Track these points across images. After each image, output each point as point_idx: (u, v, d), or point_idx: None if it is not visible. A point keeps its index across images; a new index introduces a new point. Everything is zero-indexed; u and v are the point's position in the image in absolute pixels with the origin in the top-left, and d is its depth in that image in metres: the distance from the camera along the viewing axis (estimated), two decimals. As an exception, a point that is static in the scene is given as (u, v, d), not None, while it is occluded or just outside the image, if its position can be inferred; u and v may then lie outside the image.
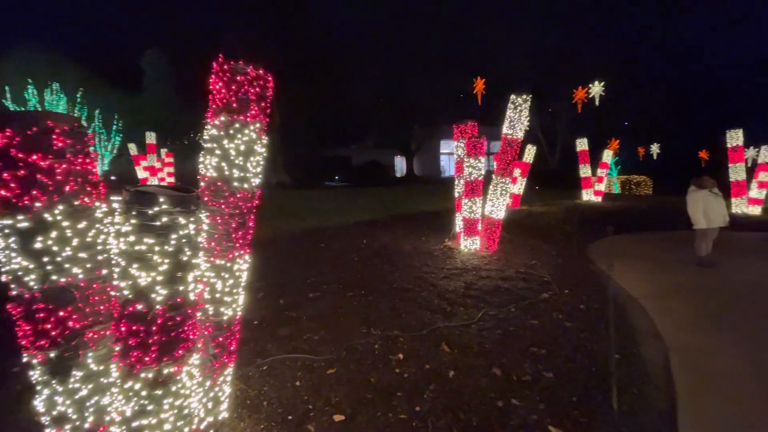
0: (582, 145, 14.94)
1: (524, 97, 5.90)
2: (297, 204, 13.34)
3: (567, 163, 24.26)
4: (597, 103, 27.90)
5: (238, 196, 1.97)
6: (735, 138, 12.04)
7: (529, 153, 12.99)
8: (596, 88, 27.45)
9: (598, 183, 15.06)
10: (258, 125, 1.99)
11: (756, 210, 11.98)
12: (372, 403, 2.47)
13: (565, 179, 20.29)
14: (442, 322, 3.56)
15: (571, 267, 5.79)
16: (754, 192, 12.28)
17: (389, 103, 26.92)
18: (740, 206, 12.12)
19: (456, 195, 7.08)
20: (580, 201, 14.72)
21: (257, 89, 1.92)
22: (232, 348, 2.11)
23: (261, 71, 1.92)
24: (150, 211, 1.45)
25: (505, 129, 6.12)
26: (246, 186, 2.00)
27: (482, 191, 6.46)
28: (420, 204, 12.85)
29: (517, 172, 13.32)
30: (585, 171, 14.87)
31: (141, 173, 15.45)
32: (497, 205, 6.38)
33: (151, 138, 15.08)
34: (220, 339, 2.03)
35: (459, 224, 6.91)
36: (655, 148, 29.91)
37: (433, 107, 26.34)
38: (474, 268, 5.48)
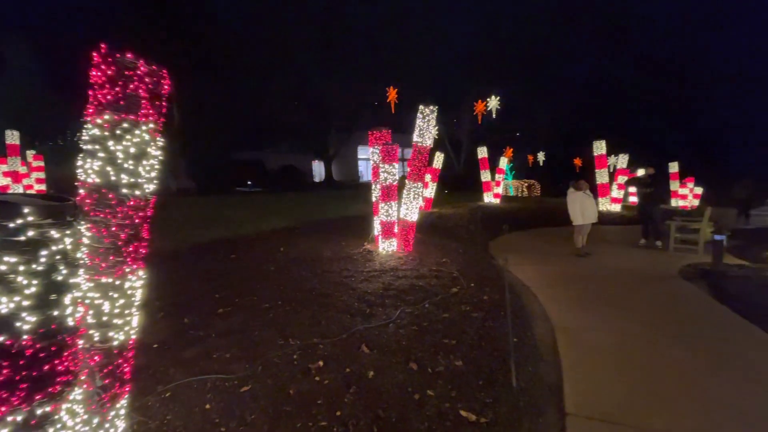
0: (482, 152, 16.50)
1: (432, 107, 6.33)
2: (204, 212, 12.26)
3: (471, 169, 26.58)
4: (494, 115, 30.96)
5: (129, 204, 1.75)
6: (599, 147, 14.55)
7: (438, 160, 13.92)
8: (493, 102, 30.50)
9: (497, 187, 16.78)
10: (152, 125, 1.81)
11: (617, 207, 14.61)
12: (291, 415, 2.40)
13: (470, 183, 22.19)
14: (361, 324, 3.61)
15: (476, 263, 6.35)
16: (615, 192, 14.97)
17: (304, 106, 26.46)
18: (605, 204, 14.65)
19: (373, 199, 7.26)
20: (483, 203, 16.23)
21: (150, 85, 1.74)
22: (125, 377, 1.86)
23: (154, 66, 1.75)
24: (12, 225, 1.22)
25: (416, 137, 6.48)
26: (138, 193, 1.79)
27: (397, 195, 6.73)
28: (339, 209, 12.84)
29: (428, 177, 14.19)
30: (485, 176, 16.45)
31: (0, 180, 12.69)
32: (411, 208, 6.70)
33: (13, 138, 12.49)
34: (110, 368, 1.78)
35: (377, 227, 7.08)
36: (541, 156, 34.48)
37: (349, 113, 26.62)
38: (392, 269, 5.67)
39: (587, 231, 7.53)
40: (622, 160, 14.79)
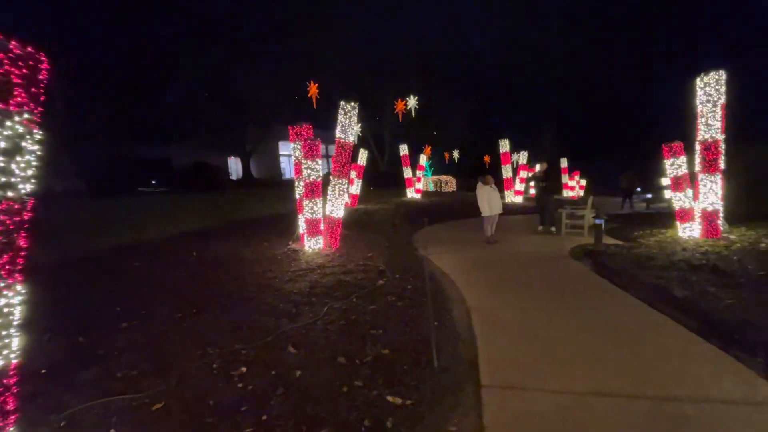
0: (403, 150, 17.12)
1: (353, 104, 6.39)
2: (97, 216, 10.72)
3: (394, 166, 27.42)
4: (414, 114, 32.20)
5: (1, 207, 1.49)
6: (504, 146, 16.10)
7: (362, 156, 14.10)
8: (412, 102, 31.67)
9: (418, 182, 17.56)
10: (27, 116, 1.55)
11: (519, 199, 16.34)
12: (212, 427, 2.27)
13: (394, 180, 22.86)
14: (287, 325, 3.54)
15: (400, 255, 6.62)
16: (518, 186, 16.71)
17: (217, 98, 24.53)
18: (510, 197, 16.29)
19: (297, 197, 7.09)
20: (406, 198, 16.89)
21: (24, 70, 1.49)
22: (8, 407, 1.59)
23: (30, 48, 1.50)
24: None
25: (338, 133, 6.49)
26: (12, 194, 1.52)
27: (321, 192, 6.67)
28: (260, 208, 12.24)
29: (353, 174, 14.30)
30: (407, 173, 17.11)
31: None
32: (336, 205, 6.71)
33: None
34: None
35: (302, 225, 6.94)
36: (456, 154, 36.88)
37: (268, 107, 25.36)
38: (318, 266, 5.62)
39: (495, 221, 8.31)
40: (522, 157, 16.54)
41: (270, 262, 5.73)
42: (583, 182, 19.68)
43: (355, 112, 6.47)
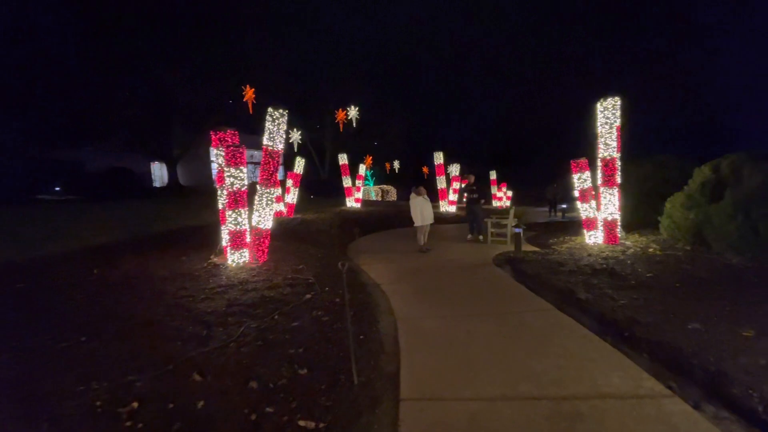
0: (343, 159, 17.05)
1: (281, 111, 6.18)
2: (-24, 229, 9.07)
3: (335, 175, 27.28)
4: (355, 124, 32.40)
5: None
6: (438, 158, 16.77)
7: (299, 165, 13.75)
8: (353, 112, 31.88)
9: (357, 192, 17.57)
10: None
11: (453, 208, 17.06)
12: (87, 477, 1.95)
13: (335, 188, 22.67)
14: (195, 349, 3.22)
15: (333, 266, 6.47)
16: (452, 196, 17.46)
17: (138, 97, 22.43)
18: (444, 206, 16.95)
19: (220, 207, 6.63)
20: (345, 208, 16.78)
21: None
22: None
23: None
24: None
25: (266, 141, 6.22)
26: None
27: (247, 202, 6.32)
28: (183, 218, 11.30)
29: (290, 182, 13.87)
30: (347, 182, 17.04)
31: None
32: (264, 215, 6.39)
33: None
34: None
35: (225, 238, 6.50)
36: (397, 164, 37.72)
37: (196, 110, 23.77)
38: (241, 282, 5.28)
39: (427, 230, 8.55)
40: (455, 169, 17.36)
41: (186, 279, 5.25)
42: (510, 193, 21.18)
43: (284, 119, 6.26)
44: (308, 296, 4.78)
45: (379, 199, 29.58)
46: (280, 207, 13.17)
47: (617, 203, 7.35)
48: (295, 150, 29.28)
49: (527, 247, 8.30)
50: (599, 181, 7.50)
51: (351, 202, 17.38)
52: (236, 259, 6.22)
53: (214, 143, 6.43)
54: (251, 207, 6.39)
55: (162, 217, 11.66)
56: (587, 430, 2.38)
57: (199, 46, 23.40)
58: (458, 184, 17.84)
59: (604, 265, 5.87)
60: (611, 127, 7.22)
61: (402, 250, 8.77)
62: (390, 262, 7.58)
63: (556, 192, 16.67)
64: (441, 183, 16.88)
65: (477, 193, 10.12)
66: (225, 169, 6.22)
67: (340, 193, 18.00)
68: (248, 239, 6.41)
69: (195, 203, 16.10)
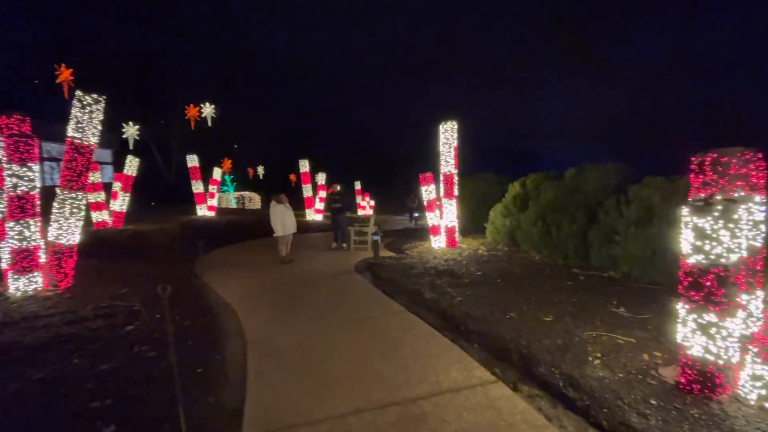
0: (192, 161, 15.06)
1: (95, 96, 4.94)
2: None
3: (185, 178, 24.01)
4: (209, 123, 29.25)
5: None
6: (304, 165, 16.46)
7: (131, 165, 11.45)
8: (208, 110, 28.74)
9: (211, 199, 15.76)
10: None
11: (319, 217, 16.96)
12: None
13: (184, 194, 19.79)
14: None
15: (173, 286, 5.47)
16: (318, 204, 17.34)
17: None
18: (311, 215, 16.70)
19: (-3, 217, 4.87)
20: (196, 217, 14.79)
21: None
22: None
23: None
24: None
25: (71, 132, 4.88)
26: None
27: (40, 210, 4.81)
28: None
29: (117, 186, 11.40)
30: (198, 187, 15.09)
31: None
32: (67, 228, 4.96)
33: None
34: None
35: (5, 258, 4.81)
36: (260, 170, 35.60)
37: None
38: (27, 317, 3.94)
39: (289, 240, 8.18)
40: (321, 178, 17.36)
41: None
42: (373, 203, 22.37)
43: (100, 106, 5.02)
44: (130, 328, 3.88)
45: (240, 207, 27.24)
46: (104, 216, 10.70)
47: (455, 212, 8.47)
48: (130, 147, 24.56)
49: (385, 253, 8.76)
50: (441, 193, 8.50)
51: (203, 210, 15.44)
52: (22, 286, 4.66)
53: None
54: (47, 217, 4.89)
55: None
56: (430, 430, 2.51)
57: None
58: (324, 192, 17.86)
59: (446, 267, 6.62)
60: (450, 147, 8.30)
61: (261, 263, 8.13)
62: (246, 277, 6.91)
63: (414, 201, 18.36)
64: (308, 191, 16.58)
65: (342, 203, 10.24)
66: (5, 166, 4.62)
67: (191, 200, 15.82)
68: (42, 259, 4.88)
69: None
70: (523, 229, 7.81)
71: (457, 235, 8.64)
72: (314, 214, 16.87)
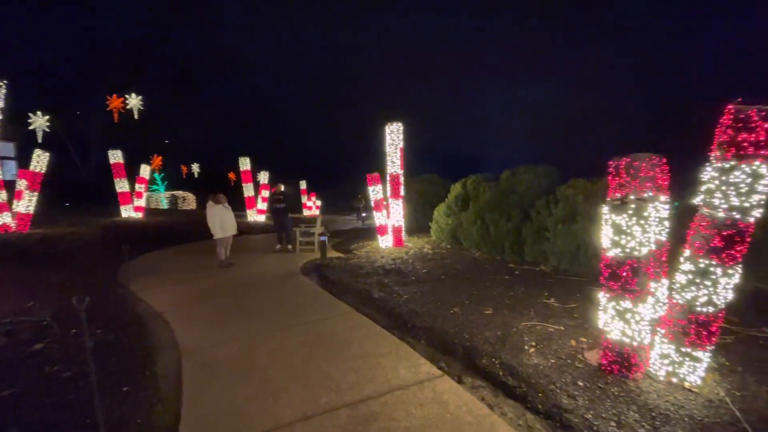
0: (115, 157, 13.64)
1: (-10, 81, 4.24)
2: None
3: (107, 177, 21.71)
4: (136, 116, 26.75)
5: None
6: (244, 163, 15.67)
7: (39, 160, 10.05)
8: (134, 101, 26.24)
9: (138, 199, 14.40)
10: None
11: (262, 218, 16.26)
12: None
13: (106, 194, 17.83)
14: None
15: (92, 296, 4.89)
16: (260, 205, 16.61)
17: None
18: (252, 216, 15.96)
19: None
20: (120, 219, 13.40)
21: None
22: None
23: None
24: None
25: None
26: None
27: None
28: None
29: (22, 184, 9.94)
30: (122, 186, 13.70)
31: None
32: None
33: None
34: None
35: None
36: (195, 168, 33.28)
37: None
38: None
39: (229, 243, 7.73)
40: (263, 176, 16.68)
41: None
42: (319, 203, 21.98)
43: (2, 92, 4.32)
44: (39, 346, 3.40)
45: (174, 207, 25.18)
46: (6, 219, 9.29)
47: (402, 212, 8.61)
48: (39, 140, 21.59)
49: (332, 254, 8.65)
50: (388, 193, 8.59)
51: (128, 211, 14.05)
52: None
53: None
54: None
55: None
56: (379, 429, 2.51)
57: None
58: (267, 192, 17.16)
59: (393, 266, 6.70)
60: (396, 148, 8.43)
61: (197, 268, 7.57)
62: (179, 284, 6.39)
63: (361, 202, 18.36)
64: (249, 191, 15.80)
65: (285, 203, 9.89)
66: None
67: (114, 200, 14.30)
68: None
69: None
70: (464, 227, 8.17)
71: (403, 234, 8.79)
72: (256, 215, 16.16)
